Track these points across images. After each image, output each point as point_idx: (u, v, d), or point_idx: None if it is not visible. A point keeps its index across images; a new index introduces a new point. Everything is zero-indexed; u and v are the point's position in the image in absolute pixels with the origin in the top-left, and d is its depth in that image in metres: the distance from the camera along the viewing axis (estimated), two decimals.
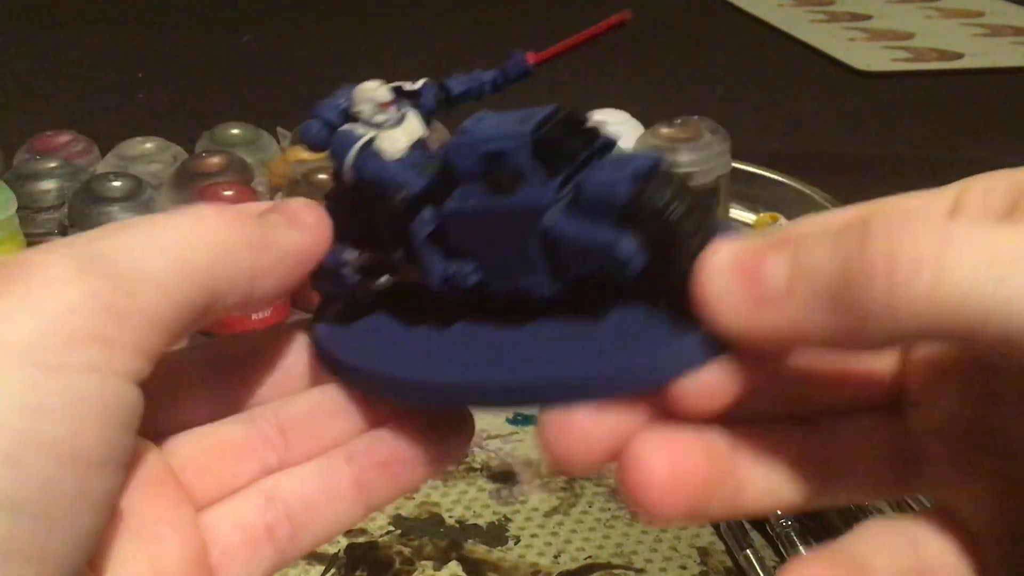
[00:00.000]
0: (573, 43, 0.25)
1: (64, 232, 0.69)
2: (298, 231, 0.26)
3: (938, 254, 0.20)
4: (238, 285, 0.24)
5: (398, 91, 0.28)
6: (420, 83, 0.28)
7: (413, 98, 0.28)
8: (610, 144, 0.25)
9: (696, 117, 0.78)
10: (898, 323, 0.20)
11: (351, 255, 0.27)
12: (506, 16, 1.54)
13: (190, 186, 0.69)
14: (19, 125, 1.00)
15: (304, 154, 0.74)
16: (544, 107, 0.25)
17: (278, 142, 0.82)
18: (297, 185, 0.68)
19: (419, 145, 0.27)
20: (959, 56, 1.27)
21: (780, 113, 1.13)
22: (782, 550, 0.49)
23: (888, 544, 0.25)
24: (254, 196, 0.67)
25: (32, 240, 0.69)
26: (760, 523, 0.51)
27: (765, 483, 0.26)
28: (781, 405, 0.26)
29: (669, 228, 0.23)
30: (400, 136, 0.27)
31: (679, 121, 0.77)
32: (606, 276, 0.24)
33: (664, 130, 0.76)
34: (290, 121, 0.85)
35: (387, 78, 0.29)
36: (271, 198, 0.70)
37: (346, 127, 0.27)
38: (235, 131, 0.81)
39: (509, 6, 1.58)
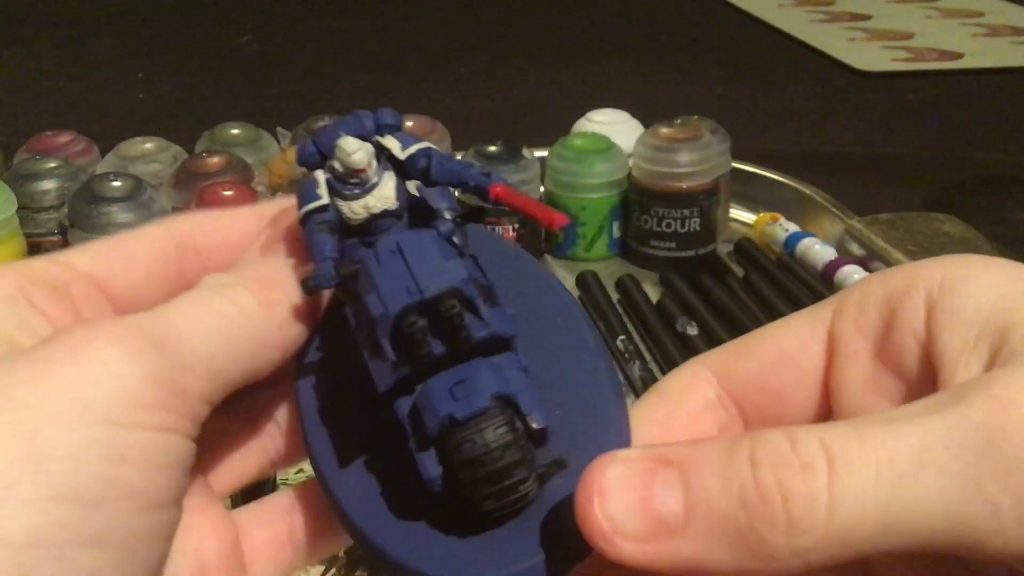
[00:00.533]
0: (525, 206, 0.26)
1: (64, 232, 0.69)
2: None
3: (828, 485, 0.20)
4: (270, 362, 0.26)
5: (385, 153, 0.27)
6: (411, 151, 0.27)
7: (398, 165, 0.27)
8: (500, 341, 0.24)
9: (696, 117, 0.78)
10: (805, 557, 0.20)
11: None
12: (506, 16, 1.54)
13: (190, 186, 0.69)
14: (19, 125, 1.00)
15: None
16: (454, 274, 0.24)
17: (278, 142, 0.82)
18: (297, 185, 0.68)
19: (384, 215, 0.26)
20: (959, 56, 1.27)
21: (780, 113, 1.13)
22: None
23: None
24: (254, 196, 0.67)
25: (32, 240, 0.69)
26: None
27: None
28: None
29: (467, 482, 0.23)
30: (358, 208, 0.26)
31: (679, 121, 0.77)
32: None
33: (664, 130, 0.76)
34: (290, 121, 0.85)
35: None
36: (271, 198, 0.70)
37: (317, 176, 0.27)
38: (235, 131, 0.81)
39: (509, 6, 1.58)
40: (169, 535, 0.24)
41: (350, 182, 0.26)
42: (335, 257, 0.25)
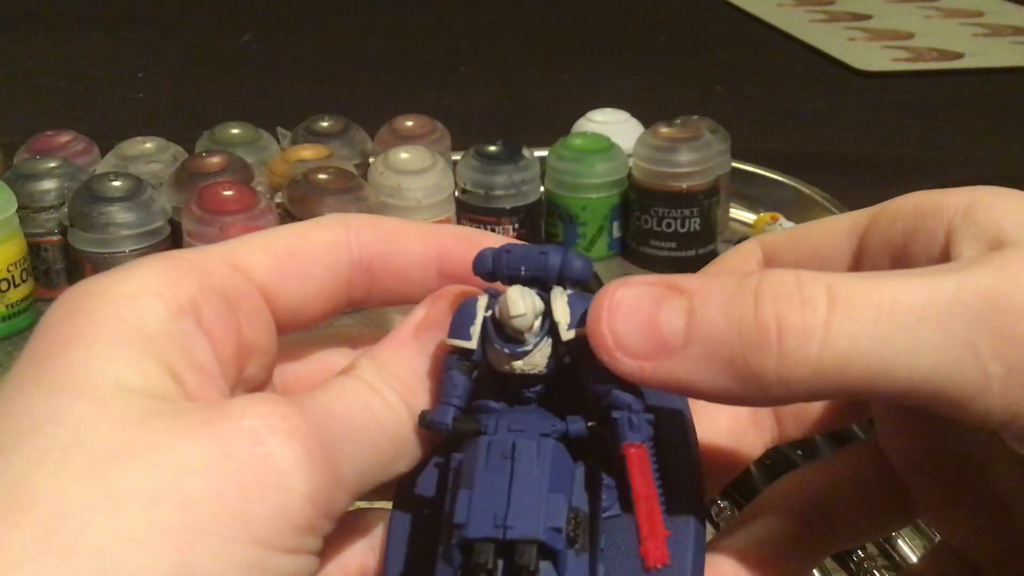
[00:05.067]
0: (641, 499, 0.22)
1: (64, 232, 0.69)
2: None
3: (825, 321, 0.20)
4: (398, 475, 0.25)
5: (551, 318, 0.24)
6: (579, 332, 0.24)
7: (558, 340, 0.24)
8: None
9: (696, 117, 0.78)
10: (791, 388, 0.21)
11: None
12: (506, 16, 1.54)
13: (190, 186, 0.69)
14: (19, 125, 1.00)
15: (304, 153, 0.74)
16: (549, 518, 0.23)
17: (278, 142, 0.82)
18: (297, 185, 0.68)
19: (529, 376, 0.25)
20: (959, 56, 1.27)
21: (780, 113, 1.13)
22: None
23: None
24: (254, 196, 0.67)
25: (32, 240, 0.69)
26: None
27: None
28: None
29: None
30: (505, 364, 0.24)
31: (679, 121, 0.77)
32: None
33: (664, 130, 0.76)
34: (290, 121, 0.85)
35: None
36: (271, 198, 0.70)
37: (478, 304, 0.25)
38: (235, 131, 0.81)
39: (509, 6, 1.58)
40: None
41: (505, 336, 0.24)
42: (459, 407, 0.24)
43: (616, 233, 0.78)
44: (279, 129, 0.84)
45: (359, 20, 1.51)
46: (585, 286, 0.25)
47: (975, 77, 1.22)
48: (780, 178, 0.83)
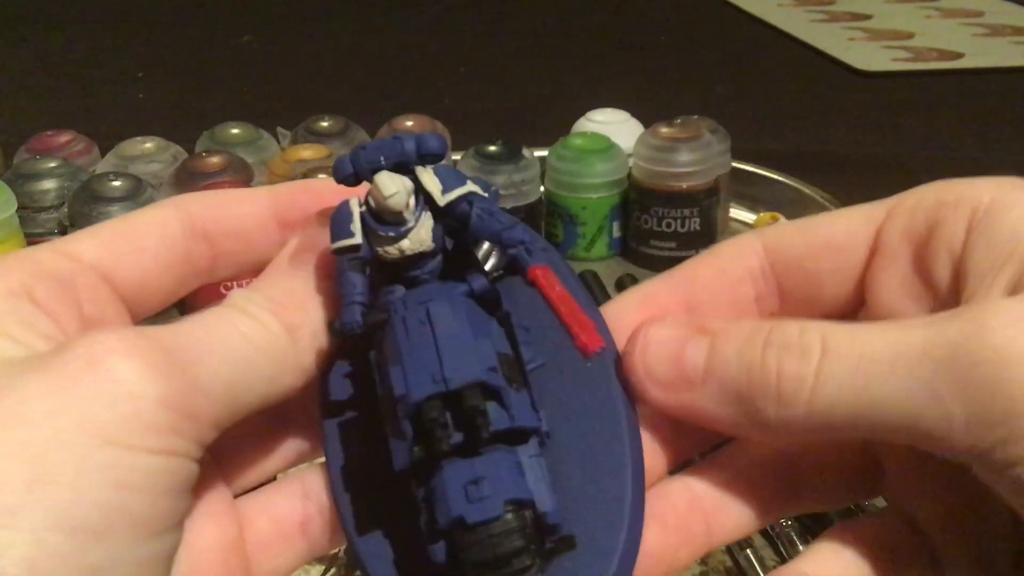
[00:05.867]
0: (560, 304, 0.25)
1: (64, 232, 0.69)
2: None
3: (816, 370, 0.23)
4: (289, 389, 0.25)
5: (423, 192, 0.25)
6: (450, 197, 0.25)
7: (436, 210, 0.25)
8: (521, 433, 0.24)
9: (696, 117, 0.78)
10: (788, 428, 0.24)
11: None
12: (506, 16, 1.54)
13: (190, 186, 0.69)
14: (19, 125, 1.00)
15: (304, 153, 0.74)
16: (483, 361, 0.23)
17: (278, 142, 0.82)
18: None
19: (418, 256, 0.25)
20: (959, 56, 1.27)
21: (780, 113, 1.13)
22: (782, 550, 0.49)
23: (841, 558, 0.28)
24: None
25: (32, 240, 0.69)
26: None
27: (734, 519, 0.28)
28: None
29: (474, 574, 0.23)
30: (392, 250, 0.25)
31: (679, 121, 0.77)
32: None
33: (664, 130, 0.76)
34: (290, 121, 0.85)
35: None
36: None
37: (351, 205, 0.25)
38: (235, 131, 0.81)
39: (509, 6, 1.58)
40: (169, 559, 0.23)
41: (385, 221, 0.25)
42: (364, 303, 0.25)
43: (616, 233, 0.78)
44: (279, 129, 0.85)
45: (359, 20, 1.51)
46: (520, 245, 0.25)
47: (975, 77, 1.22)
48: (780, 178, 0.83)
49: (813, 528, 0.49)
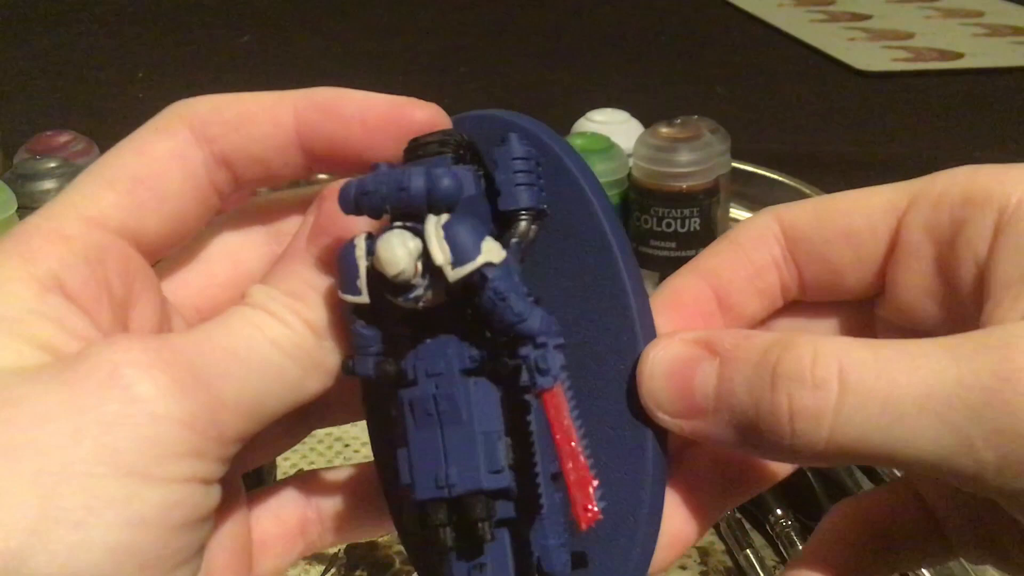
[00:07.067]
0: (564, 462, 0.22)
1: None
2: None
3: (835, 407, 0.22)
4: (316, 392, 0.24)
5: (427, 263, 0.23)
6: (460, 273, 0.22)
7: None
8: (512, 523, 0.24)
9: (696, 117, 0.78)
10: (802, 460, 0.24)
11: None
12: (506, 16, 1.54)
13: None
14: (19, 125, 1.00)
15: None
16: (484, 472, 0.23)
17: None
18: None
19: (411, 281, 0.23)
20: (959, 56, 1.27)
21: (780, 113, 1.13)
22: (782, 550, 0.49)
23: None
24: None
25: None
26: (760, 523, 0.51)
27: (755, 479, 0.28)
28: None
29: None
30: (402, 304, 0.23)
31: (679, 121, 0.77)
32: None
33: (664, 130, 0.76)
34: None
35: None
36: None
37: (357, 256, 0.23)
38: None
39: (509, 6, 1.58)
40: None
41: (392, 284, 0.23)
42: (377, 353, 0.24)
43: None
44: None
45: (359, 20, 1.51)
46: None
47: (975, 77, 1.22)
48: (780, 178, 0.83)
49: (813, 528, 0.49)
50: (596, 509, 0.22)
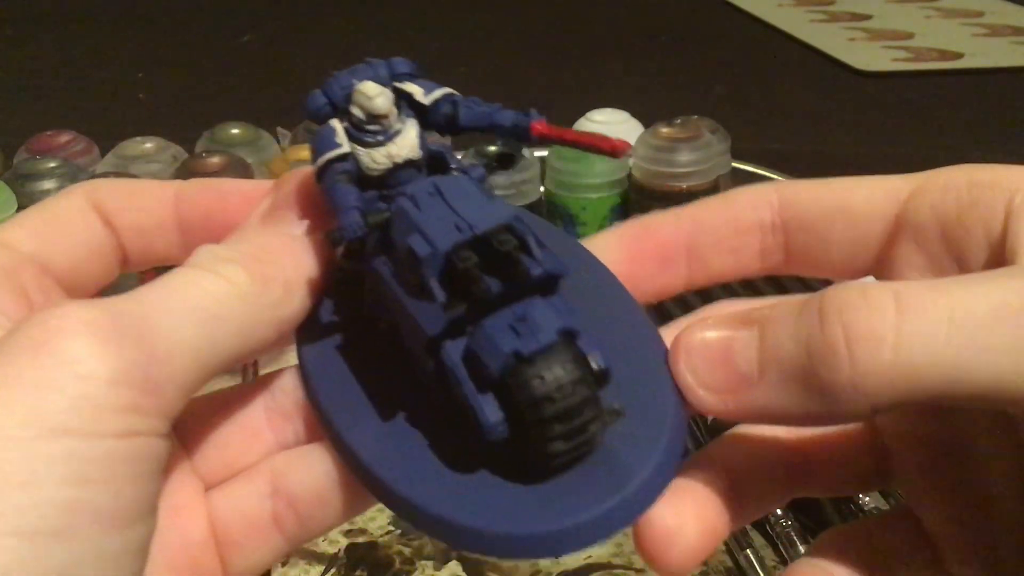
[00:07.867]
0: (576, 139, 0.24)
1: None
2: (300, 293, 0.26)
3: (896, 326, 0.20)
4: (262, 343, 0.24)
5: (406, 99, 0.25)
6: (435, 95, 0.25)
7: (420, 111, 0.25)
8: (552, 279, 0.22)
9: (696, 117, 0.78)
10: (867, 398, 0.21)
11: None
12: (506, 16, 1.54)
13: None
14: (19, 125, 1.00)
15: (304, 153, 0.74)
16: (503, 211, 0.22)
17: (278, 142, 0.82)
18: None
19: (406, 165, 0.25)
20: (959, 56, 1.27)
21: (780, 113, 1.13)
22: (782, 550, 0.49)
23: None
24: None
25: None
26: (760, 523, 0.51)
27: (754, 508, 0.27)
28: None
29: (536, 421, 0.21)
30: (380, 158, 0.24)
31: (679, 121, 0.77)
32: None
33: (664, 130, 0.76)
34: (290, 121, 0.85)
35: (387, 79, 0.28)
36: None
37: (332, 124, 0.25)
38: (235, 131, 0.81)
39: (509, 6, 1.58)
40: (144, 547, 0.22)
41: (370, 129, 0.24)
42: (361, 207, 0.24)
43: None
44: (279, 129, 0.84)
45: (359, 20, 1.51)
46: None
47: (975, 77, 1.22)
48: (780, 178, 0.83)
49: (814, 528, 0.49)
50: (624, 143, 0.24)
